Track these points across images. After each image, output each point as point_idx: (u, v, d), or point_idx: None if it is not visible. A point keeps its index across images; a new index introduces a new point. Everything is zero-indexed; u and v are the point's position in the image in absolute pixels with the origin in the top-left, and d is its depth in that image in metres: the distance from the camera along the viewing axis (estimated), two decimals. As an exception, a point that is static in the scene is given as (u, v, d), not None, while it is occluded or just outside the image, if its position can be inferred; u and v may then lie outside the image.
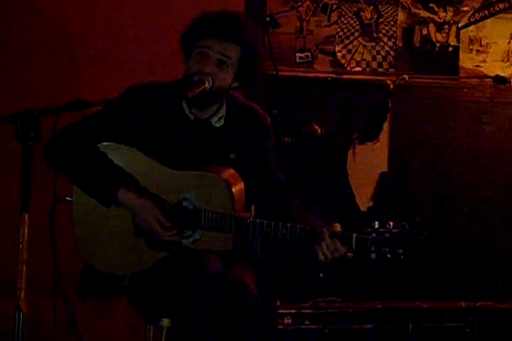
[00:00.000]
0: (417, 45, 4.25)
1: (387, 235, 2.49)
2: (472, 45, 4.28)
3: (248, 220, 2.60)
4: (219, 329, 2.55)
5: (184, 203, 2.67)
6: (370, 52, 4.21)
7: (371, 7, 4.20)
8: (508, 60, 4.31)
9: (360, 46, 4.20)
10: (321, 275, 4.06)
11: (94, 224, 2.74)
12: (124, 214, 2.69)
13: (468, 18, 4.27)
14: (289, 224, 2.58)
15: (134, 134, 2.74)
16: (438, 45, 4.26)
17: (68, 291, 2.87)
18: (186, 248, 2.67)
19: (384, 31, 4.21)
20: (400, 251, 2.49)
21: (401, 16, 4.23)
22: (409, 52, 4.24)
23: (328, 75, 4.14)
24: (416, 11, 4.23)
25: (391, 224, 2.51)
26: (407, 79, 4.15)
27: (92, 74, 3.81)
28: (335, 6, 4.16)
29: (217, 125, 2.81)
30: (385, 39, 4.22)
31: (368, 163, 4.17)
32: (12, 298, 2.52)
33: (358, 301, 4.11)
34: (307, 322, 4.04)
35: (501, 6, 4.25)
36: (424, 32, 4.25)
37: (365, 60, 4.20)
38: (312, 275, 4.04)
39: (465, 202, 4.23)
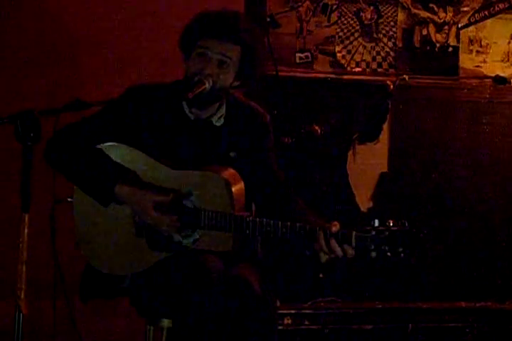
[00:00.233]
0: (417, 45, 4.25)
1: (387, 233, 2.47)
2: (472, 45, 4.28)
3: (248, 219, 2.59)
4: (220, 330, 2.55)
5: (184, 202, 2.67)
6: (370, 52, 4.21)
7: (371, 7, 4.20)
8: (508, 61, 4.31)
9: (360, 46, 4.20)
10: (321, 275, 4.06)
11: (94, 225, 2.74)
12: (125, 215, 2.69)
13: (468, 19, 4.27)
14: (288, 223, 2.57)
15: (135, 134, 2.74)
16: (438, 45, 4.26)
17: (68, 291, 2.87)
18: (187, 248, 2.67)
19: (384, 32, 4.22)
20: (400, 249, 2.47)
21: (401, 17, 4.23)
22: (409, 52, 4.24)
23: (328, 76, 4.14)
24: (416, 11, 4.24)
25: (391, 222, 2.49)
26: (407, 79, 4.15)
27: (93, 74, 3.81)
28: (335, 7, 4.16)
29: (218, 124, 2.81)
30: (385, 39, 4.22)
31: (368, 163, 4.17)
32: (12, 298, 2.52)
33: (358, 301, 4.12)
34: (307, 323, 4.04)
35: (501, 6, 4.26)
36: (424, 32, 4.25)
37: (365, 60, 4.21)
38: (312, 276, 4.04)
39: (465, 202, 4.23)
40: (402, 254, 2.47)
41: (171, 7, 3.84)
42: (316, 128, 4.07)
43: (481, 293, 4.23)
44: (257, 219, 2.59)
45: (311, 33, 4.15)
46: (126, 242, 2.71)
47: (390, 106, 4.15)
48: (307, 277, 4.04)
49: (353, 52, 4.19)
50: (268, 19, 4.05)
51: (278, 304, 3.73)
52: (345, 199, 4.14)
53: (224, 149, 2.80)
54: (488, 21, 4.27)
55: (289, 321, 4.00)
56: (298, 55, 4.13)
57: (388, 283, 4.11)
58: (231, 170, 2.72)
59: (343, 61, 4.18)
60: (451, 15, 4.26)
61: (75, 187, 2.75)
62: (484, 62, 4.28)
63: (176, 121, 2.77)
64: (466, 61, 4.28)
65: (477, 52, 4.28)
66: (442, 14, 4.26)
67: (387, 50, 4.22)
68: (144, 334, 2.86)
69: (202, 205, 2.64)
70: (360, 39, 4.20)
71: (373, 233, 2.48)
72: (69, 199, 2.78)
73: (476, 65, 4.28)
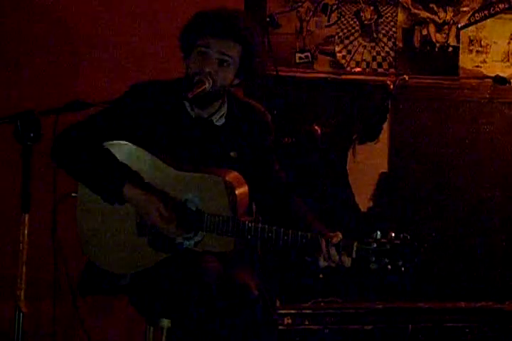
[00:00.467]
0: (417, 45, 4.25)
1: (388, 247, 2.49)
2: (472, 45, 4.28)
3: (250, 224, 2.59)
4: (219, 330, 2.55)
5: (187, 204, 2.66)
6: (370, 52, 4.21)
7: (371, 7, 4.20)
8: (508, 61, 4.31)
9: (360, 46, 4.20)
10: (321, 275, 4.06)
11: (97, 223, 2.73)
12: (128, 214, 2.69)
13: (468, 19, 4.27)
14: (290, 231, 2.57)
15: (138, 132, 2.74)
16: (438, 45, 4.26)
17: (69, 291, 2.87)
18: (188, 249, 2.67)
19: (384, 32, 4.22)
20: (401, 263, 2.48)
21: (401, 17, 4.23)
22: (409, 52, 4.24)
23: (327, 76, 4.14)
24: (416, 11, 4.24)
25: (392, 234, 2.50)
26: (407, 79, 4.15)
27: (93, 74, 3.81)
28: (335, 7, 4.16)
29: (219, 123, 2.81)
30: (385, 39, 4.22)
31: (368, 163, 4.17)
32: (12, 298, 2.52)
33: (358, 301, 4.11)
34: (307, 323, 4.04)
35: (501, 6, 4.25)
36: (424, 32, 4.25)
37: (365, 60, 4.21)
38: (312, 276, 4.04)
39: (465, 201, 4.23)
40: (402, 268, 2.48)
41: (171, 7, 3.83)
42: (316, 128, 4.06)
43: (481, 293, 4.22)
44: (259, 225, 2.59)
45: (311, 33, 4.15)
46: (128, 241, 2.71)
47: (390, 106, 4.15)
48: (307, 277, 4.03)
49: (353, 52, 4.19)
50: (268, 19, 4.05)
51: (278, 304, 3.74)
52: (345, 199, 4.14)
53: (225, 149, 2.80)
54: (488, 21, 4.27)
55: (289, 321, 4.00)
56: (298, 55, 4.13)
57: (388, 284, 4.10)
58: (235, 173, 2.71)
59: (343, 61, 4.18)
60: (451, 15, 4.26)
61: (79, 185, 2.74)
62: (484, 62, 4.28)
63: (178, 119, 2.77)
64: (466, 61, 4.28)
65: (477, 52, 4.28)
66: (442, 14, 4.25)
67: (387, 50, 4.22)
68: (143, 334, 2.86)
69: (205, 208, 2.63)
70: (360, 39, 4.20)
71: (375, 245, 2.49)
72: (73, 195, 2.77)
73: (476, 64, 4.28)
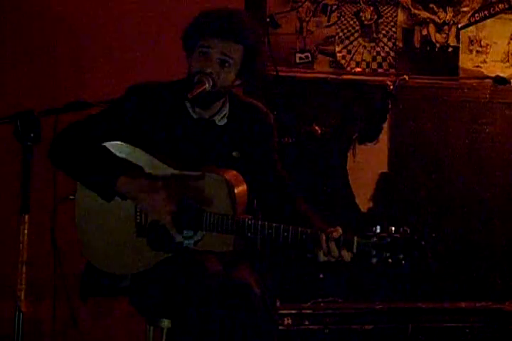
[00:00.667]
0: (417, 45, 4.25)
1: (389, 240, 2.48)
2: (472, 45, 4.28)
3: (249, 222, 2.59)
4: (219, 330, 2.55)
5: (186, 203, 2.66)
6: (370, 52, 4.21)
7: (371, 8, 4.21)
8: (508, 61, 4.31)
9: (360, 47, 4.20)
10: (321, 275, 4.06)
11: (96, 224, 2.73)
12: (127, 215, 2.69)
13: (468, 19, 4.27)
14: (290, 227, 2.57)
15: (138, 133, 2.73)
16: (438, 45, 4.27)
17: (68, 291, 2.87)
18: (187, 249, 2.67)
19: (384, 32, 4.22)
20: (401, 256, 2.48)
21: (401, 17, 4.23)
22: (409, 52, 4.24)
23: (327, 76, 4.14)
24: (416, 11, 4.24)
25: (392, 229, 2.50)
26: (407, 79, 4.15)
27: (94, 74, 3.81)
28: (335, 7, 4.17)
29: (221, 123, 2.81)
30: (385, 40, 4.22)
31: (368, 163, 4.17)
32: (12, 298, 2.52)
33: (358, 302, 4.11)
34: (307, 323, 4.04)
35: (501, 6, 4.26)
36: (424, 32, 4.25)
37: (365, 60, 4.21)
38: (312, 276, 4.04)
39: (465, 202, 4.23)
40: (403, 261, 2.48)
41: (173, 7, 3.83)
42: (316, 128, 4.07)
43: (481, 293, 4.23)
44: (259, 222, 2.59)
45: (311, 33, 4.15)
46: (127, 242, 2.71)
47: (390, 106, 4.15)
48: (307, 277, 4.04)
49: (353, 52, 4.19)
50: (268, 19, 4.05)
51: (278, 304, 3.74)
52: (345, 199, 4.14)
53: (227, 149, 2.80)
54: (488, 21, 4.27)
55: (289, 321, 4.00)
56: (298, 55, 4.13)
57: (388, 284, 4.10)
58: (234, 172, 2.71)
59: (343, 61, 4.19)
60: (451, 15, 4.26)
61: (77, 186, 2.74)
62: (484, 62, 4.28)
63: (179, 120, 2.77)
64: (466, 61, 4.28)
65: (477, 52, 4.28)
66: (442, 14, 4.26)
67: (387, 50, 4.22)
68: (144, 334, 2.86)
69: (204, 207, 2.64)
70: (360, 39, 4.20)
71: (375, 239, 2.49)
72: (71, 197, 2.77)
73: (476, 65, 4.28)
